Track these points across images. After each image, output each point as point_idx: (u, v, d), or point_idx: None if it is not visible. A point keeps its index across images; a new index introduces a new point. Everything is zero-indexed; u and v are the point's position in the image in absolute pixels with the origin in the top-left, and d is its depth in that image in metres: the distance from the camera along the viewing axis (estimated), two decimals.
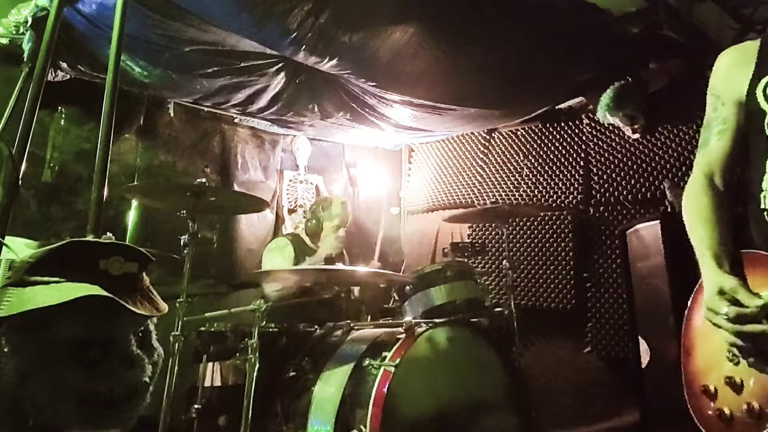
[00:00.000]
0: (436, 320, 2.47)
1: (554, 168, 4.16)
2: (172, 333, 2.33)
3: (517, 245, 4.19)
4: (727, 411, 1.22)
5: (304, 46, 2.86)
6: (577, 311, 3.85)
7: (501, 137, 4.54)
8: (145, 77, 3.24)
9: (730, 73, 1.40)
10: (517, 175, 4.36)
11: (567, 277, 3.92)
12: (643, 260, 2.97)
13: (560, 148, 4.18)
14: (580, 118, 4.11)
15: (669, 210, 3.28)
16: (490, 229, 4.40)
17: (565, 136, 4.18)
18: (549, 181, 4.16)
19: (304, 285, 3.14)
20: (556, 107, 4.13)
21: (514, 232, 4.20)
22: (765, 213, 1.29)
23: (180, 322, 2.37)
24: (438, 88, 3.55)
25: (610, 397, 3.53)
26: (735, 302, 1.19)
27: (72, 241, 1.07)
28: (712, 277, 1.26)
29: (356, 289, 3.38)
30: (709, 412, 1.26)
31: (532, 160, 4.29)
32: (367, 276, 2.81)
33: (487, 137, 4.62)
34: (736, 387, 1.21)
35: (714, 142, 1.41)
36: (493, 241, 4.32)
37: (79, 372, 0.99)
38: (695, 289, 1.44)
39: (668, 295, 2.74)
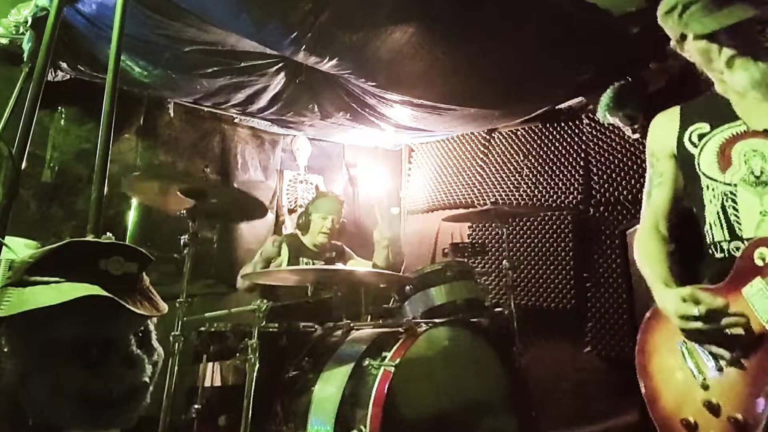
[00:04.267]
0: (436, 320, 2.47)
1: (554, 168, 4.16)
2: (172, 333, 2.33)
3: (517, 245, 4.19)
4: None
5: (304, 46, 2.86)
6: (577, 311, 3.85)
7: (501, 137, 4.54)
8: (145, 77, 3.24)
9: (660, 134, 1.63)
10: (517, 175, 4.36)
11: (567, 277, 3.92)
12: None
13: (560, 148, 4.18)
14: (580, 118, 4.11)
15: None
16: (490, 229, 4.39)
17: (565, 136, 4.18)
18: (549, 181, 4.16)
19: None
20: (556, 107, 4.13)
21: (514, 232, 4.20)
22: (713, 246, 1.45)
23: (180, 322, 2.37)
24: (438, 88, 3.55)
25: (610, 397, 3.53)
26: (698, 303, 1.30)
27: (72, 241, 1.06)
28: (668, 294, 1.40)
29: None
30: None
31: (532, 160, 4.29)
32: (367, 276, 2.80)
33: (487, 137, 4.62)
34: (714, 409, 1.28)
35: (655, 194, 1.62)
36: (493, 241, 4.31)
37: (79, 372, 0.99)
38: (639, 339, 1.61)
39: None
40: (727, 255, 1.40)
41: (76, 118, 3.43)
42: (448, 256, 3.14)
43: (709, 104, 1.55)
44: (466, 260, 3.06)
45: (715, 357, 1.33)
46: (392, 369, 2.13)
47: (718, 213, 1.43)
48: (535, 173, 4.25)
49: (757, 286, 1.27)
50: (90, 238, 1.30)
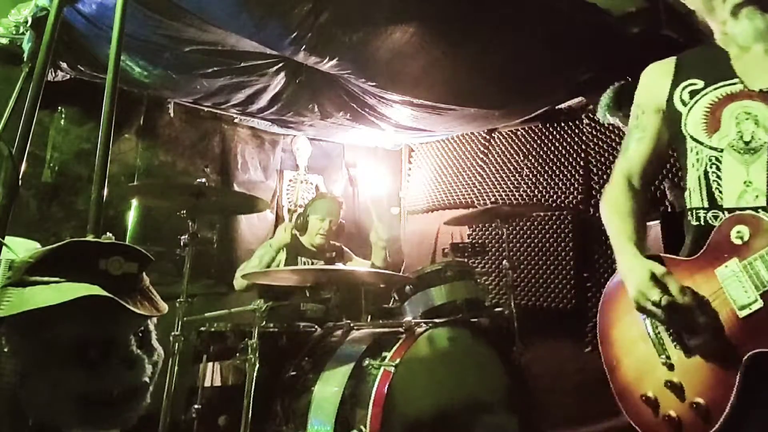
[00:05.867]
0: (436, 320, 2.47)
1: (554, 168, 4.16)
2: (172, 333, 2.33)
3: (517, 245, 4.19)
4: (674, 415, 1.23)
5: (304, 46, 2.86)
6: (577, 311, 3.85)
7: (501, 137, 4.54)
8: (145, 77, 3.24)
9: (651, 85, 1.51)
10: (517, 175, 4.36)
11: (567, 277, 3.92)
12: None
13: (560, 148, 4.18)
14: (580, 118, 4.11)
15: (669, 210, 3.27)
16: (490, 229, 4.40)
17: (565, 136, 4.18)
18: (549, 181, 4.16)
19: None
20: (556, 107, 4.13)
21: (514, 232, 4.20)
22: (690, 212, 1.36)
23: (180, 322, 2.37)
24: (438, 88, 3.55)
25: (611, 397, 3.52)
26: (665, 290, 1.22)
27: (72, 241, 1.07)
28: (638, 263, 1.29)
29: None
30: (656, 420, 1.28)
31: (532, 160, 4.29)
32: (367, 276, 2.80)
33: (487, 137, 4.62)
34: (678, 390, 1.24)
35: (633, 148, 1.51)
36: (493, 241, 4.32)
37: (79, 372, 0.99)
38: (603, 301, 1.55)
39: None
40: (703, 223, 1.30)
41: (76, 118, 3.43)
42: (448, 256, 3.14)
43: (707, 58, 1.41)
44: (466, 260, 3.06)
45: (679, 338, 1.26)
46: (392, 369, 2.13)
47: (699, 178, 1.32)
48: (535, 173, 4.25)
49: (732, 268, 1.18)
50: (90, 238, 1.30)
